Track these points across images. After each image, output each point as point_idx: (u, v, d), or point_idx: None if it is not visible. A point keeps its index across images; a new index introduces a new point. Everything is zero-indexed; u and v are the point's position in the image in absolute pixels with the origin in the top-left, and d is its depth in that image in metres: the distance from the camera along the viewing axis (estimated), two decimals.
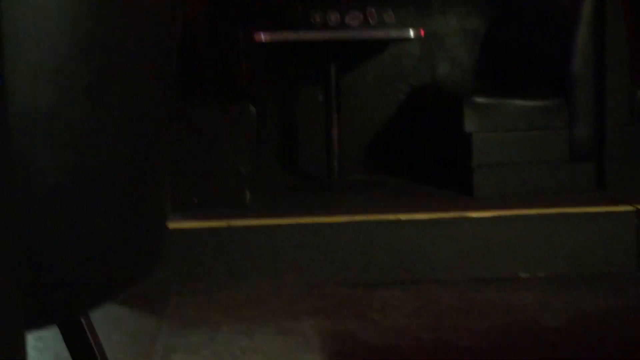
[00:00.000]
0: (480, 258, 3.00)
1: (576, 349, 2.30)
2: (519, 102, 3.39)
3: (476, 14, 4.15)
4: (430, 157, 3.99)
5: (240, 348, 2.33)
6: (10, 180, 0.76)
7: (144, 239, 1.03)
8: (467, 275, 2.98)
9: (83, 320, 1.14)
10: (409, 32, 3.46)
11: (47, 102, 0.82)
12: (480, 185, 3.37)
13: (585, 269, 3.02)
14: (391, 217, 3.01)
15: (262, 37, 3.34)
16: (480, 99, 3.37)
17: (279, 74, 4.15)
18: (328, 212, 3.10)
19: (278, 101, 4.15)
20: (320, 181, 3.92)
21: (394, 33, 3.67)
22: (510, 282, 2.94)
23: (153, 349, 2.35)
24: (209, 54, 4.07)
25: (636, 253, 3.02)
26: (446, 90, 3.89)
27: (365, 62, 4.14)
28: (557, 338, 2.38)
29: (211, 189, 3.28)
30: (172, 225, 2.89)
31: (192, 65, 3.96)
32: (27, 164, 0.81)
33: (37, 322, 0.90)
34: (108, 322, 2.54)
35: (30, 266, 0.82)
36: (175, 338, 2.43)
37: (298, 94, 4.14)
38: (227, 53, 4.05)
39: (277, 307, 2.71)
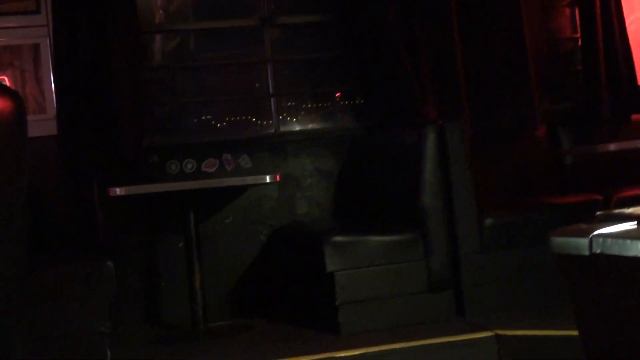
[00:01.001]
0: None
1: None
2: (376, 238, 3.49)
3: (329, 155, 4.31)
4: (295, 297, 3.99)
5: None
6: None
7: None
8: None
9: None
10: (265, 178, 3.54)
11: None
12: (345, 323, 3.39)
13: None
14: None
15: (117, 191, 3.31)
16: (339, 238, 3.44)
17: (138, 224, 4.09)
18: None
19: (139, 251, 4.07)
20: (185, 331, 3.81)
21: (250, 179, 3.74)
22: None
23: None
24: (62, 208, 3.97)
25: None
26: (306, 230, 3.96)
27: (225, 206, 4.16)
28: None
29: (71, 349, 3.12)
30: None
31: (45, 222, 3.84)
32: None
33: None
34: None
35: None
36: None
37: (158, 243, 4.09)
38: (82, 206, 3.97)
39: None
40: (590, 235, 1.79)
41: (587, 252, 1.81)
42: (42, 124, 3.91)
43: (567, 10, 4.77)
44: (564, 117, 4.52)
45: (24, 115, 1.21)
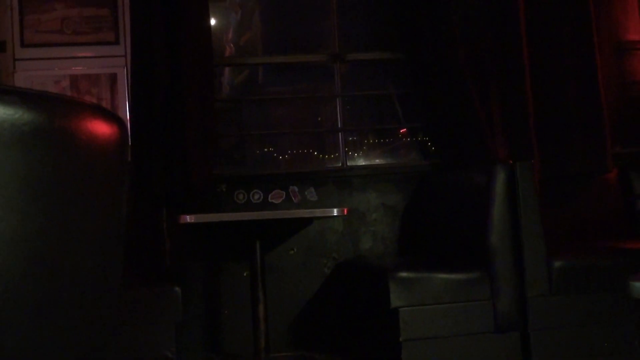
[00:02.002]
0: None
1: None
2: (442, 276, 3.46)
3: (394, 191, 4.31)
4: (357, 332, 3.98)
5: None
6: None
7: None
8: None
9: None
10: (333, 211, 3.55)
11: None
12: None
13: None
14: None
15: (188, 219, 3.37)
16: (405, 274, 3.42)
17: (204, 252, 4.14)
18: None
19: (204, 279, 4.12)
20: None
21: (318, 212, 3.76)
22: None
23: None
24: (132, 233, 4.04)
25: None
26: (371, 265, 3.95)
27: (289, 238, 4.19)
28: None
29: None
30: None
31: None
32: None
33: None
34: None
35: None
36: None
37: (224, 271, 4.13)
38: (151, 232, 4.05)
39: None
40: None
41: None
42: None
43: None
44: (636, 161, 4.44)
45: (127, 140, 1.25)
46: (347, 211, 3.65)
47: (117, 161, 1.16)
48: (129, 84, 4.07)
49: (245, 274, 4.00)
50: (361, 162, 4.56)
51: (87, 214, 1.03)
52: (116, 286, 1.14)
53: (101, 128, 1.10)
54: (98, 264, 1.06)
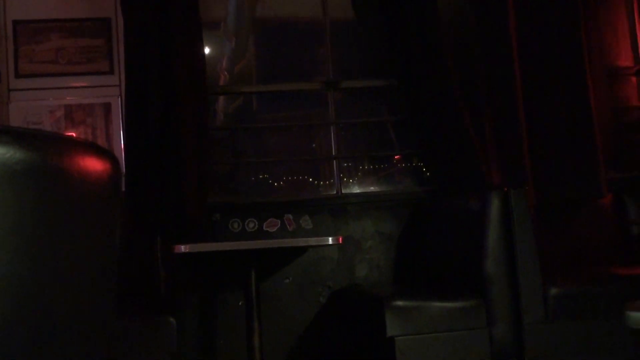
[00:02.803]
0: None
1: None
2: (438, 304, 3.44)
3: (389, 218, 4.30)
4: None
5: None
6: None
7: None
8: None
9: None
10: (328, 239, 3.54)
11: None
12: None
13: None
14: None
15: (182, 248, 3.35)
16: (400, 302, 3.41)
17: (199, 281, 4.12)
18: None
19: (199, 309, 4.09)
20: None
21: (313, 241, 3.75)
22: None
23: None
24: (125, 262, 4.03)
25: None
26: (366, 293, 3.93)
27: (284, 266, 4.18)
28: None
29: None
30: None
31: None
32: None
33: None
34: None
35: None
36: None
37: (219, 301, 4.11)
38: (145, 261, 4.03)
39: None
40: None
41: None
42: None
43: (634, 79, 4.74)
44: (631, 186, 4.45)
45: (120, 175, 1.25)
46: (342, 239, 3.64)
47: (111, 197, 1.16)
48: (124, 113, 4.07)
49: (240, 304, 3.98)
50: (356, 189, 4.56)
51: (79, 252, 1.03)
52: (109, 323, 1.13)
53: (94, 165, 1.10)
54: (91, 302, 1.06)
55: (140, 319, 3.30)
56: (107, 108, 4.21)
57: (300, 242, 3.72)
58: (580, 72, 4.30)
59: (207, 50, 4.46)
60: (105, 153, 1.18)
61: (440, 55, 4.26)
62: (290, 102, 4.79)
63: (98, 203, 1.11)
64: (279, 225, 4.17)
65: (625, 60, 4.71)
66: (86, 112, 4.20)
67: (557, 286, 3.53)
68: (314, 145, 4.80)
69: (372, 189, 4.59)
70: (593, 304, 3.52)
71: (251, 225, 4.13)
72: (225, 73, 4.96)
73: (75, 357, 1.03)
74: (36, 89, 4.13)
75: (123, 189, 3.95)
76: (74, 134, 4.18)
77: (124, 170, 4.01)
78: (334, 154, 4.51)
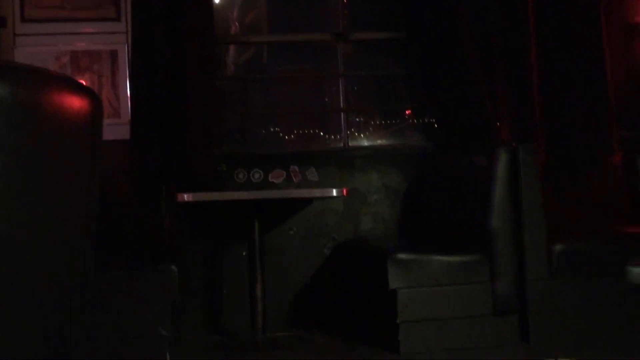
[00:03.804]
0: None
1: None
2: (441, 258, 3.43)
3: (396, 172, 4.27)
4: (355, 312, 3.96)
5: None
6: None
7: None
8: None
9: None
10: (332, 191, 3.52)
11: None
12: (405, 342, 3.34)
13: None
14: None
15: (185, 197, 3.34)
16: (403, 256, 3.40)
17: (203, 230, 4.12)
18: None
19: (203, 258, 4.10)
20: (244, 339, 3.82)
21: (317, 192, 3.73)
22: None
23: None
24: (130, 211, 4.03)
25: None
26: (370, 246, 3.92)
27: (289, 218, 4.17)
28: None
29: (131, 351, 3.15)
30: None
31: (113, 224, 3.91)
32: None
33: None
34: None
35: None
36: None
37: (223, 251, 4.11)
38: (150, 210, 4.03)
39: None
40: None
41: None
42: (115, 128, 3.99)
43: None
44: None
45: (101, 115, 1.22)
46: (347, 192, 3.62)
47: (88, 135, 1.13)
48: (130, 62, 4.04)
49: (244, 254, 3.98)
50: (364, 143, 4.52)
51: (54, 191, 1.00)
52: (88, 267, 1.11)
53: (70, 101, 1.07)
54: (68, 244, 1.03)
55: (142, 267, 3.31)
56: (114, 55, 4.17)
57: (304, 193, 3.71)
58: (595, 29, 4.21)
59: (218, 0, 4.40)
60: (83, 89, 1.15)
61: (452, 8, 4.18)
62: (300, 55, 4.74)
63: (75, 140, 1.08)
64: (285, 176, 4.15)
65: None
66: (93, 58, 4.17)
67: (561, 243, 3.50)
68: (326, 99, 4.75)
69: (379, 142, 4.55)
70: (597, 262, 3.50)
71: (256, 176, 4.11)
72: (236, 23, 4.90)
73: (52, 303, 1.01)
74: (42, 34, 4.09)
75: (128, 137, 3.94)
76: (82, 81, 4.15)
77: (129, 118, 3.99)
78: (342, 106, 4.46)
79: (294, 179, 4.15)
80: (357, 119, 4.60)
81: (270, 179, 4.11)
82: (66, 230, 1.05)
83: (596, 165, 4.33)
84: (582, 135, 4.21)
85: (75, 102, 1.09)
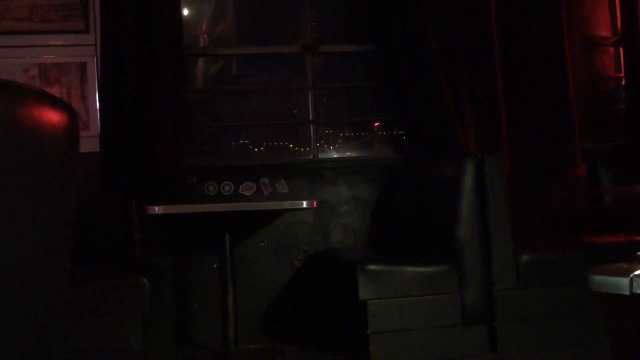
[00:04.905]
0: None
1: None
2: (411, 269, 3.47)
3: (366, 184, 4.31)
4: (326, 323, 3.98)
5: None
6: None
7: None
8: None
9: None
10: (302, 203, 3.55)
11: None
12: (376, 353, 3.37)
13: None
14: None
15: (156, 209, 3.35)
16: (373, 267, 3.43)
17: (174, 243, 4.12)
18: None
19: (173, 270, 4.10)
20: (216, 352, 3.82)
21: (288, 204, 3.75)
22: None
23: None
24: (100, 223, 4.02)
25: None
26: (340, 257, 3.95)
27: (260, 230, 4.18)
28: None
29: None
30: None
31: (83, 236, 3.89)
32: None
33: None
34: None
35: None
36: None
37: (194, 263, 4.11)
38: (120, 223, 4.02)
39: None
40: (631, 275, 1.77)
41: (627, 292, 1.79)
42: (85, 141, 3.94)
43: (611, 50, 4.74)
44: (605, 156, 4.48)
45: (77, 129, 1.23)
46: (317, 204, 3.65)
47: (66, 149, 1.14)
48: (99, 74, 4.03)
49: (215, 266, 3.98)
50: (334, 155, 4.56)
51: (32, 205, 1.01)
52: (64, 279, 1.12)
53: (48, 115, 1.08)
54: (44, 256, 1.04)
55: (113, 279, 3.30)
56: (82, 68, 4.16)
57: (275, 205, 3.73)
58: (558, 42, 4.30)
59: (186, 12, 4.42)
60: (61, 104, 1.17)
61: (419, 20, 4.24)
62: (269, 67, 4.76)
63: (52, 154, 1.09)
64: (255, 189, 4.17)
65: (603, 30, 4.72)
66: (61, 71, 4.15)
67: (528, 253, 3.56)
68: (295, 111, 4.78)
69: (348, 154, 4.58)
70: (563, 271, 3.56)
71: (227, 188, 4.12)
72: (205, 35, 4.91)
73: (28, 309, 1.02)
74: (10, 46, 4.07)
75: (98, 149, 3.93)
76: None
77: (99, 130, 3.98)
78: (311, 118, 4.49)
79: (264, 191, 4.17)
80: (327, 131, 4.64)
81: (240, 191, 4.13)
82: (46, 240, 1.06)
83: (560, 175, 4.42)
84: (547, 146, 4.28)
85: (52, 117, 1.10)
